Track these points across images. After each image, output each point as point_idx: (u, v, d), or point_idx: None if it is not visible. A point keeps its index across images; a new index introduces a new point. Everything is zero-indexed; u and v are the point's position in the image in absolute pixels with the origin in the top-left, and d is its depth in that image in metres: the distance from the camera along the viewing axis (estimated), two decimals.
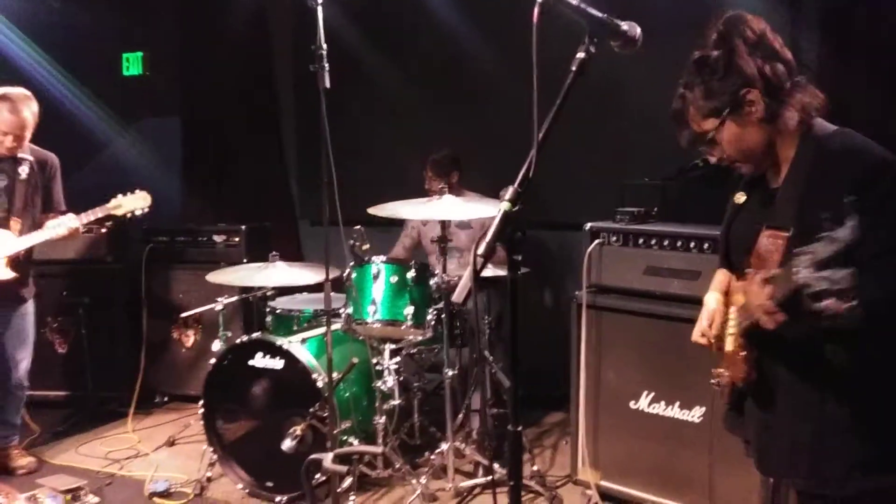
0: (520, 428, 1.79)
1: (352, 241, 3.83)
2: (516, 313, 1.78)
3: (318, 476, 3.65)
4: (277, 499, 3.78)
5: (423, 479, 3.81)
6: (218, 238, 5.29)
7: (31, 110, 3.98)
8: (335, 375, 3.48)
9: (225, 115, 6.05)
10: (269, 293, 4.39)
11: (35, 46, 5.70)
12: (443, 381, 3.95)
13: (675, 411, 3.45)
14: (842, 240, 1.45)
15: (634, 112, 4.64)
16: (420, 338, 3.97)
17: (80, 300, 5.02)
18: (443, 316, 3.88)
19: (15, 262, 4.02)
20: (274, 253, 4.23)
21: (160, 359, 5.26)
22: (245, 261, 5.05)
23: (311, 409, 3.65)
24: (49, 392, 5.04)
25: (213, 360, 3.98)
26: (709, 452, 3.25)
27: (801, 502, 1.97)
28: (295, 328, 4.16)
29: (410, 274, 3.88)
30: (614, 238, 3.64)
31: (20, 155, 4.07)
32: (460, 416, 4.20)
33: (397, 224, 5.09)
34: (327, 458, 2.84)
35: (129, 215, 4.22)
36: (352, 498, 3.67)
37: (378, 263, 3.89)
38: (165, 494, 3.92)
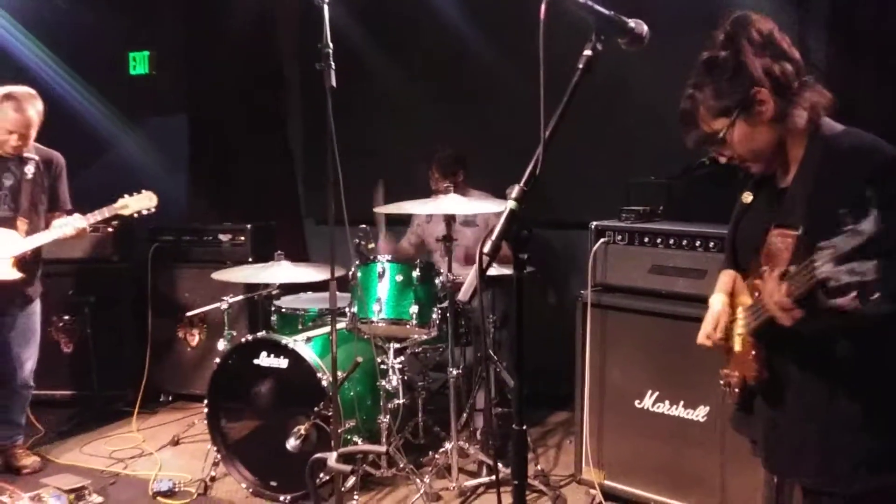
0: (524, 427, 1.78)
1: (357, 240, 3.83)
2: (522, 312, 1.77)
3: (322, 475, 3.65)
4: (281, 498, 3.78)
5: (426, 479, 3.81)
6: (223, 237, 5.29)
7: (35, 109, 3.98)
8: (340, 374, 3.48)
9: (231, 114, 6.05)
10: (274, 292, 4.40)
11: (41, 45, 5.71)
12: (447, 380, 3.94)
13: (679, 410, 3.44)
14: (866, 232, 1.44)
15: (640, 110, 4.63)
16: (425, 337, 3.97)
17: (86, 299, 5.02)
18: (448, 315, 3.87)
19: (22, 262, 4.02)
20: (279, 252, 4.23)
21: (165, 358, 5.27)
22: (250, 260, 5.07)
23: (316, 409, 3.64)
24: (54, 391, 5.04)
25: (217, 360, 3.98)
26: (720, 452, 3.25)
27: (808, 500, 1.96)
28: (300, 327, 4.17)
29: (415, 273, 3.87)
30: (620, 237, 3.64)
31: (26, 154, 4.08)
32: (464, 415, 4.20)
33: (404, 222, 5.09)
34: (331, 458, 2.83)
35: (135, 215, 4.23)
36: (356, 497, 3.67)
37: (383, 262, 3.88)
38: (169, 494, 3.92)
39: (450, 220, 3.96)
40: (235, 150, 6.15)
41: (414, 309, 3.83)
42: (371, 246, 3.94)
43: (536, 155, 1.68)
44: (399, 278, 3.86)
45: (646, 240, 3.57)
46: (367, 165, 4.66)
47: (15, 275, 3.98)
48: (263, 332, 4.10)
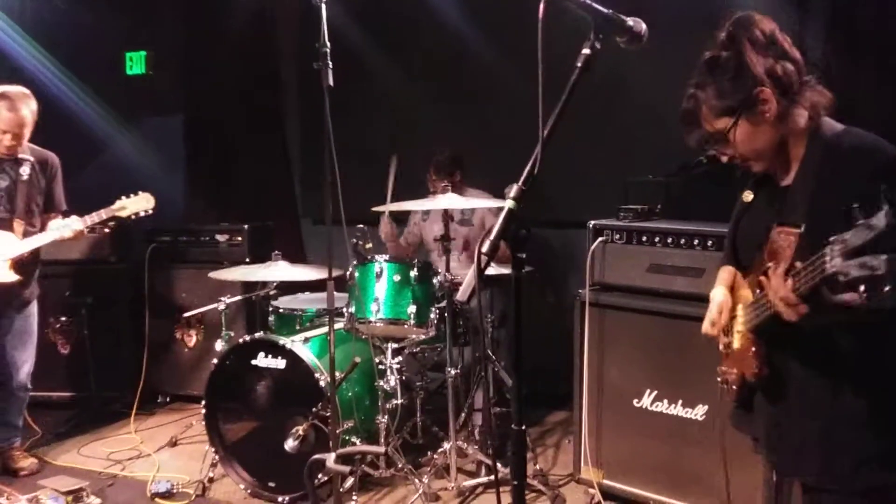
0: (523, 427, 1.78)
1: (355, 240, 3.82)
2: (520, 311, 1.77)
3: (320, 476, 3.64)
4: (280, 499, 3.78)
5: (425, 479, 3.81)
6: (221, 237, 5.29)
7: (29, 108, 3.96)
8: (338, 375, 3.47)
9: (228, 114, 6.05)
10: (271, 293, 4.39)
11: (38, 46, 5.70)
12: (445, 380, 3.94)
13: (678, 409, 3.44)
14: (878, 227, 1.45)
15: (639, 109, 4.63)
16: (423, 336, 3.97)
17: (83, 300, 5.02)
18: (446, 314, 3.87)
19: (19, 264, 4.01)
20: (276, 252, 4.22)
21: (163, 359, 5.26)
22: (248, 260, 5.06)
23: (314, 409, 3.64)
24: (52, 393, 5.04)
25: (215, 360, 3.97)
26: (719, 451, 3.24)
27: (808, 498, 1.97)
28: (297, 327, 4.16)
29: (413, 272, 3.87)
30: (617, 235, 3.64)
31: (21, 155, 4.06)
32: (463, 415, 4.19)
33: (402, 222, 5.09)
34: (330, 458, 2.82)
35: (132, 217, 4.22)
36: (354, 498, 3.66)
37: (381, 262, 3.88)
38: (167, 495, 3.91)
39: (447, 219, 3.96)
40: (233, 151, 6.15)
41: (412, 309, 3.82)
42: (368, 246, 3.94)
43: (535, 154, 1.68)
44: (397, 278, 3.86)
45: (644, 238, 3.57)
46: (366, 165, 4.65)
47: (12, 277, 3.97)
48: (261, 332, 4.09)
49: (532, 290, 5.23)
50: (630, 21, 1.76)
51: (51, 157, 4.23)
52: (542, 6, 1.68)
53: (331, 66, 3.07)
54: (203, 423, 3.97)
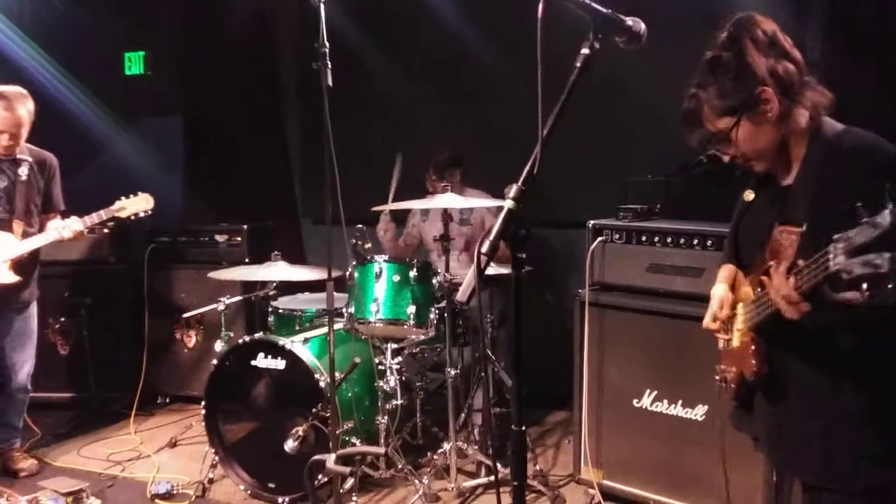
0: (523, 428, 1.78)
1: (354, 241, 3.82)
2: (520, 312, 1.77)
3: (320, 477, 3.64)
4: (280, 500, 3.77)
5: (425, 480, 3.81)
6: (220, 238, 5.29)
7: (26, 108, 3.95)
8: (337, 375, 3.47)
9: (227, 114, 6.05)
10: (271, 293, 4.38)
11: (37, 46, 5.69)
12: (445, 381, 3.94)
13: (678, 409, 3.44)
14: (883, 225, 1.45)
15: (638, 109, 4.63)
16: (422, 337, 3.96)
17: (83, 301, 5.01)
18: (445, 315, 3.86)
19: (19, 264, 4.00)
20: (276, 252, 4.22)
21: (162, 359, 5.26)
22: (247, 260, 5.06)
23: (314, 410, 3.63)
24: (51, 394, 5.03)
25: (215, 361, 3.97)
26: (719, 451, 3.24)
27: (808, 497, 1.97)
28: (297, 328, 4.16)
29: (413, 273, 3.87)
30: (617, 235, 3.63)
31: (19, 156, 4.06)
32: (463, 415, 4.19)
33: (401, 222, 5.09)
34: (330, 459, 2.82)
35: (132, 217, 4.22)
36: (354, 498, 3.66)
37: (380, 262, 3.88)
38: (167, 496, 3.90)
39: (447, 219, 3.96)
40: (232, 151, 6.14)
41: (411, 309, 3.82)
42: (368, 246, 3.94)
43: (534, 154, 1.68)
44: (396, 278, 3.86)
45: (643, 238, 3.56)
46: (366, 166, 4.65)
47: (12, 278, 3.97)
48: (261, 333, 4.09)
49: (532, 290, 5.23)
50: (629, 21, 1.76)
51: (49, 158, 4.22)
52: (541, 6, 1.68)
53: (330, 66, 3.07)
54: (203, 423, 3.97)
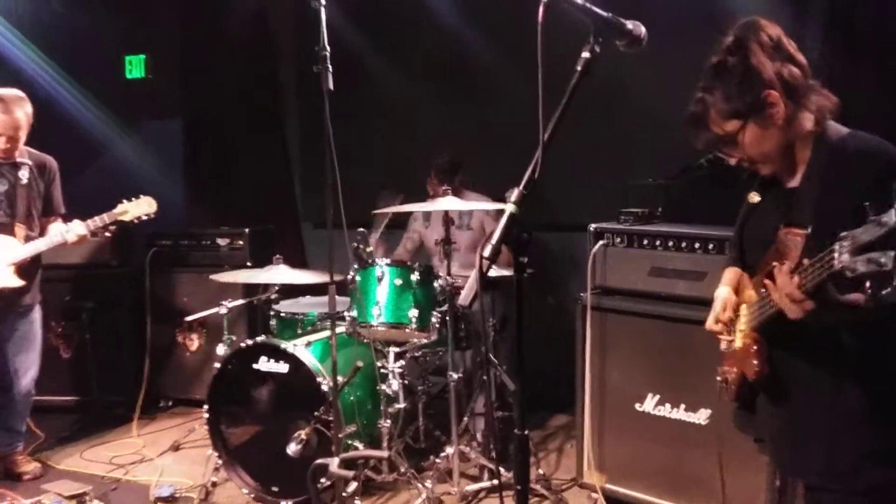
0: (526, 432, 1.78)
1: (355, 244, 3.82)
2: (522, 315, 1.77)
3: (323, 480, 3.63)
4: (283, 503, 3.77)
5: (428, 483, 3.80)
6: (221, 241, 5.29)
7: (24, 111, 3.95)
8: (340, 379, 3.47)
9: (227, 117, 6.05)
10: (273, 296, 4.39)
11: (37, 49, 5.70)
12: (447, 384, 3.93)
13: (680, 413, 3.44)
14: (889, 223, 1.46)
15: (639, 112, 4.63)
16: (424, 340, 3.96)
17: (85, 305, 5.02)
18: (447, 318, 3.86)
19: (21, 268, 4.00)
20: (277, 255, 4.22)
21: (165, 363, 5.26)
22: (249, 264, 5.05)
23: (316, 413, 3.63)
24: (54, 397, 5.03)
25: (217, 365, 3.97)
26: (720, 454, 3.24)
27: (809, 497, 1.97)
28: (299, 332, 4.15)
29: (414, 276, 3.86)
30: (619, 239, 3.63)
31: (19, 159, 4.06)
32: (465, 419, 4.18)
33: (401, 227, 5.09)
34: (333, 463, 2.82)
35: (135, 221, 4.22)
36: (357, 502, 3.66)
37: (382, 266, 3.88)
38: (170, 500, 3.90)
39: (448, 223, 3.96)
40: (232, 153, 6.14)
41: (413, 312, 3.82)
42: (369, 249, 3.94)
43: (535, 158, 1.68)
44: (398, 282, 3.85)
45: (645, 242, 3.56)
46: (366, 168, 4.66)
47: (16, 282, 3.97)
48: (263, 336, 4.08)
49: (533, 294, 5.23)
50: (629, 24, 1.77)
51: (49, 161, 4.22)
52: (541, 9, 1.68)
53: (330, 69, 3.06)
54: (206, 427, 3.96)
